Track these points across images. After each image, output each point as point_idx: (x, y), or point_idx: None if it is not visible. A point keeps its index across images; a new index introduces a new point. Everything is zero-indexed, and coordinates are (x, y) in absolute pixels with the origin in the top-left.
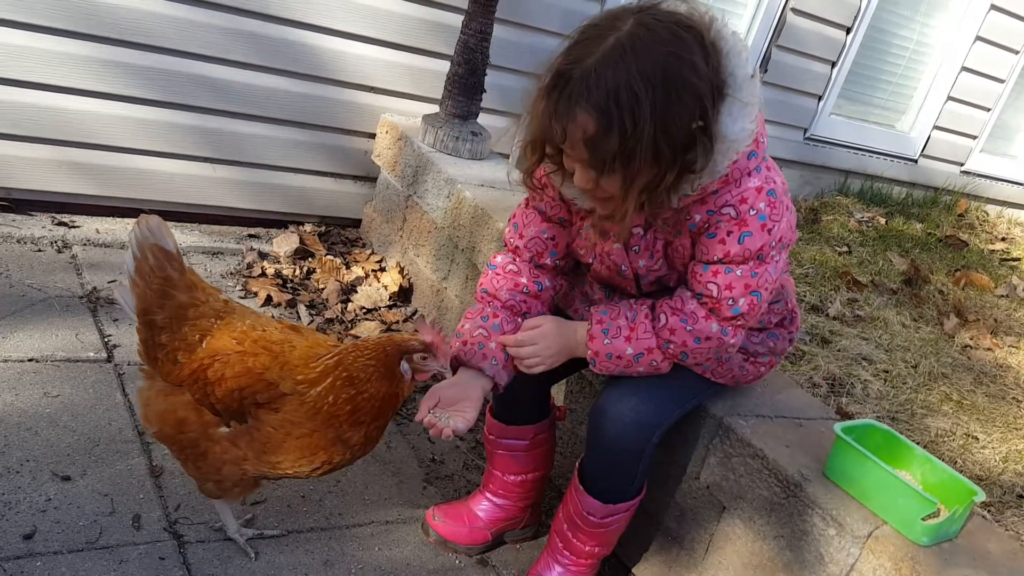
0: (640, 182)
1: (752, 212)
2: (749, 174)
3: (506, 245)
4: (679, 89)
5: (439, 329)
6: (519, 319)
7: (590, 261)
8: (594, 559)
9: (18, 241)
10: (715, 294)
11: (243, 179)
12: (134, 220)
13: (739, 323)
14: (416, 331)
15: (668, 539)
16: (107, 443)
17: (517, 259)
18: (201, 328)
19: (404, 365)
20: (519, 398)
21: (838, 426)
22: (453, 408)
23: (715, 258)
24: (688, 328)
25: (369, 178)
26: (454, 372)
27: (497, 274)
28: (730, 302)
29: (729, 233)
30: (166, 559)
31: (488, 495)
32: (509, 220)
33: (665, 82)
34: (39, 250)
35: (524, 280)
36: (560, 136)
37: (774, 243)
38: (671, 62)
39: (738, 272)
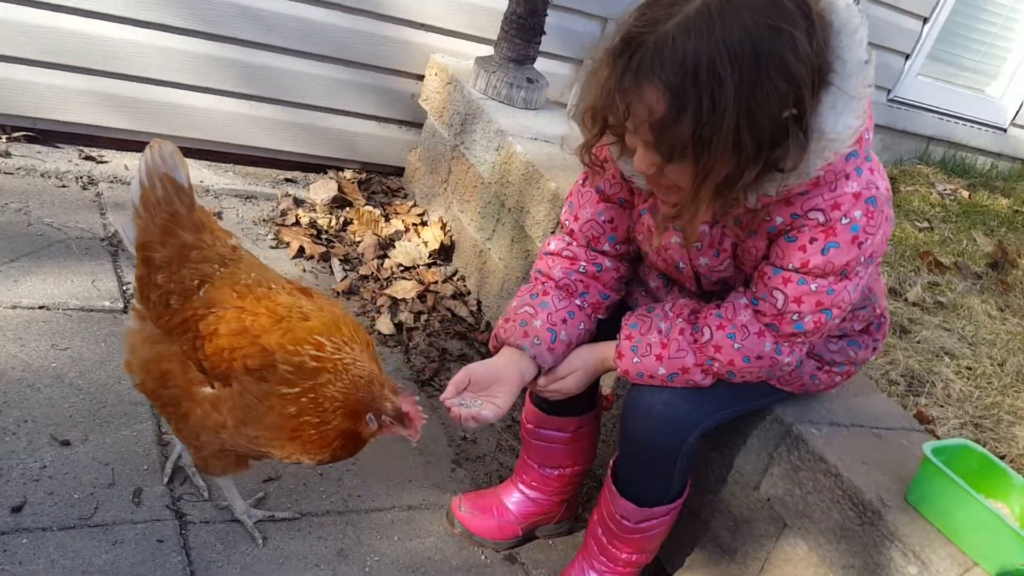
0: (714, 177)
1: (844, 221)
2: (847, 177)
3: (562, 227)
4: (772, 69)
5: (415, 401)
6: (576, 301)
7: (647, 250)
8: (633, 567)
9: (42, 175)
10: (779, 304)
11: (283, 119)
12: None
13: (799, 341)
14: (398, 391)
15: (718, 549)
16: (114, 404)
17: (573, 243)
18: (202, 273)
19: (371, 417)
20: None
21: (927, 446)
22: (485, 392)
23: (790, 265)
24: (736, 345)
25: (415, 124)
26: (494, 353)
27: (552, 258)
28: (794, 317)
29: (812, 241)
30: (164, 542)
31: (521, 487)
32: (567, 197)
33: (756, 59)
34: (63, 186)
35: (582, 262)
36: (622, 112)
37: (863, 259)
38: (765, 35)
39: (812, 286)
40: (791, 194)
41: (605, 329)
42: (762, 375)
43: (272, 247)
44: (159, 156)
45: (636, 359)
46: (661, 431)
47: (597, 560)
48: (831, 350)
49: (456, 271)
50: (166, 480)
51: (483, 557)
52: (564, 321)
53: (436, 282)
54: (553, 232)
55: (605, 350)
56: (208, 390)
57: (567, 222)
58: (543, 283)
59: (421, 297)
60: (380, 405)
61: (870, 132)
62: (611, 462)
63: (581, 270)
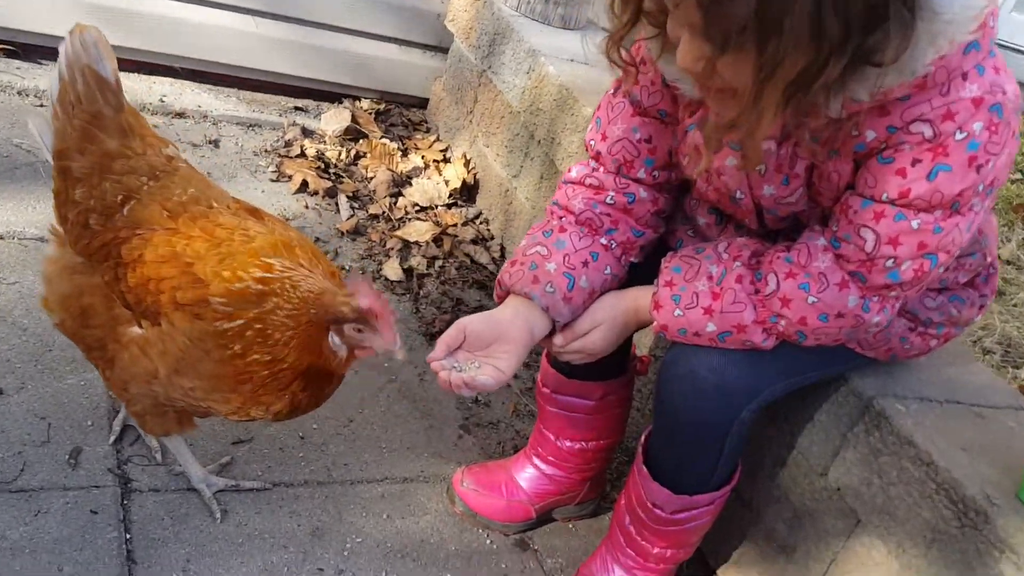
0: (783, 74)
1: (959, 136)
2: (964, 76)
3: (587, 150)
4: None
5: (379, 292)
6: (600, 239)
7: (694, 176)
8: (667, 564)
9: (19, 93)
10: (868, 247)
11: (292, 39)
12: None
13: (892, 295)
14: (356, 288)
15: (772, 545)
16: (63, 348)
17: (600, 169)
18: (127, 188)
19: (334, 338)
20: None
21: None
22: (483, 352)
23: (884, 195)
24: (811, 299)
25: (441, 49)
26: (499, 303)
27: (572, 187)
28: (888, 263)
29: (915, 163)
30: (100, 513)
31: (535, 461)
32: (593, 113)
33: None
34: (41, 104)
35: (610, 191)
36: None
37: (982, 187)
38: None
39: (914, 223)
40: (888, 99)
41: (638, 276)
42: (841, 337)
43: (272, 180)
44: (80, 44)
45: (678, 311)
46: (707, 403)
47: (623, 554)
48: (928, 307)
49: (479, 213)
50: (113, 439)
51: (488, 541)
52: (585, 264)
53: (455, 225)
54: None
55: (639, 298)
56: (136, 330)
57: (593, 142)
58: (560, 217)
59: (437, 241)
60: (337, 313)
61: (995, 19)
62: (642, 438)
63: (608, 201)
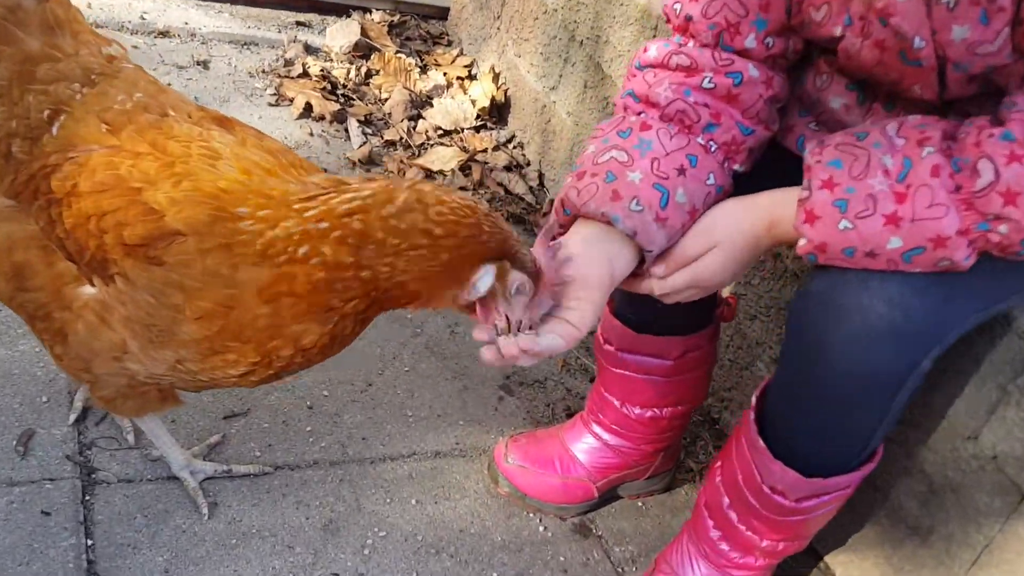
0: None
1: None
2: None
3: (668, 20)
4: None
5: (563, 257)
6: (697, 139)
7: (836, 33)
8: (774, 559)
9: None
10: None
11: None
12: None
13: None
14: (540, 238)
15: (900, 527)
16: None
17: (691, 43)
18: (55, 99)
19: (486, 277)
20: None
21: None
22: (556, 300)
23: None
24: None
25: None
26: (562, 233)
27: (653, 71)
28: None
29: None
30: (54, 514)
31: (595, 428)
32: None
33: None
34: None
35: (706, 72)
36: None
37: None
38: None
39: None
40: None
41: (746, 190)
42: None
43: (271, 104)
44: None
45: (845, 223)
46: (881, 348)
47: (714, 548)
48: None
49: (512, 136)
50: (74, 418)
51: (542, 528)
52: (680, 171)
53: (485, 150)
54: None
55: (775, 207)
56: (88, 290)
57: (678, 6)
58: (638, 113)
59: (464, 169)
60: (517, 254)
61: None
62: (754, 399)
63: (706, 85)
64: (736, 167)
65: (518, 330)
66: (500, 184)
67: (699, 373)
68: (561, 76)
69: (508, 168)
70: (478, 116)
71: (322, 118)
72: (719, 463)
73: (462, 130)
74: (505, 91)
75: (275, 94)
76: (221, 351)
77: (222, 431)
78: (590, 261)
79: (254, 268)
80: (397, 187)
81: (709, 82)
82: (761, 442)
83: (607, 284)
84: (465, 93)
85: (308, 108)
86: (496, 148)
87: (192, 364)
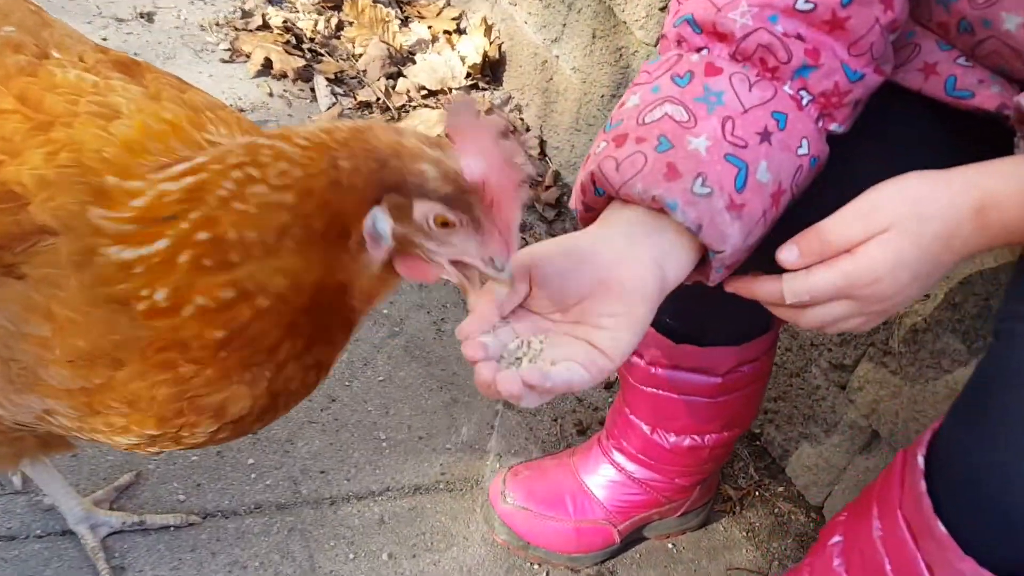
0: None
1: None
2: None
3: None
4: None
5: (508, 149)
6: (784, 86)
7: None
8: None
9: None
10: None
11: None
12: None
13: None
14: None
15: None
16: None
17: None
18: None
19: (377, 226)
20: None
21: None
22: (568, 316)
23: None
24: None
25: None
26: (584, 223)
27: None
28: None
29: None
30: None
31: (616, 457)
32: None
33: None
34: None
35: None
36: None
37: None
38: None
39: None
40: None
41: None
42: None
43: (224, 60)
44: None
45: None
46: None
47: None
48: None
49: (508, 97)
50: None
51: None
52: (764, 136)
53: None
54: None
55: (981, 179)
56: None
57: None
58: (700, 49)
59: None
60: (410, 168)
61: None
62: (920, 458)
63: (801, 6)
64: (832, 127)
65: (500, 269)
66: None
67: (752, 391)
68: (564, 25)
69: (504, 134)
70: (468, 75)
71: (284, 76)
72: (838, 539)
73: (450, 90)
74: (499, 46)
75: (229, 48)
76: (103, 411)
77: (136, 468)
78: (631, 261)
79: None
80: (230, 149)
81: (805, 1)
82: (941, 527)
83: (654, 296)
84: (453, 49)
85: (268, 64)
86: (490, 111)
87: (66, 420)
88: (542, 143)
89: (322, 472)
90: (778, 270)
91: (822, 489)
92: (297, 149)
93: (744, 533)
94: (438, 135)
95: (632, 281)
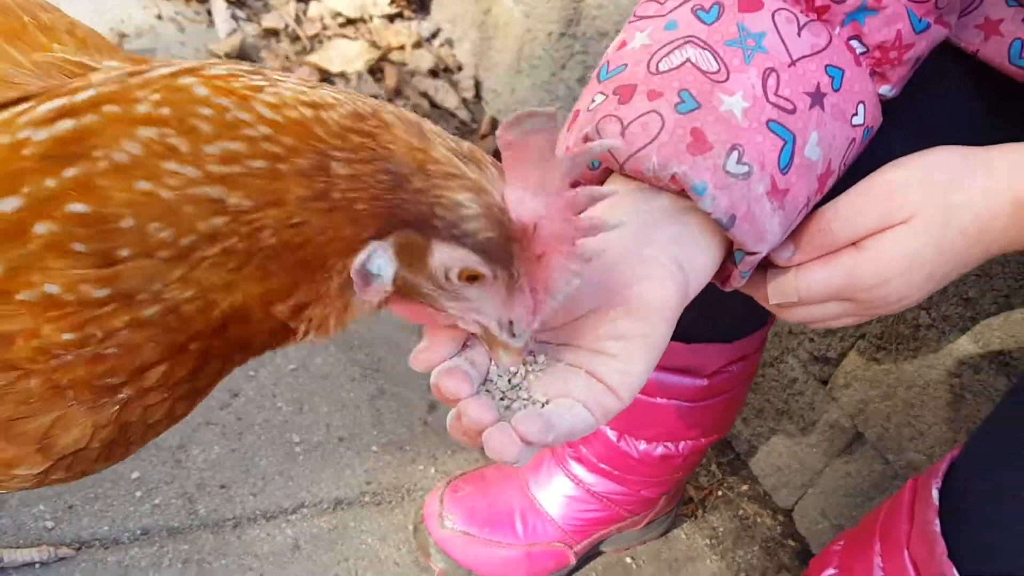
0: None
1: None
2: None
3: None
4: None
5: (569, 198)
6: (835, 30)
7: None
8: None
9: None
10: None
11: None
12: None
13: None
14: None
15: None
16: None
17: None
18: None
19: (382, 260)
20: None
21: None
22: (561, 334)
23: None
24: None
25: None
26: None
27: None
28: None
29: None
30: None
31: (574, 467)
32: None
33: None
34: None
35: None
36: None
37: None
38: None
39: None
40: None
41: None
42: None
43: None
44: None
45: None
46: None
47: None
48: None
49: (438, 30)
50: None
51: None
52: (816, 97)
53: (403, 47)
54: None
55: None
56: None
57: None
58: None
59: (375, 72)
60: (442, 219)
61: None
62: (934, 490)
63: None
64: (883, 91)
65: (512, 335)
66: (423, 94)
67: (737, 392)
68: None
69: (434, 73)
70: (392, 1)
71: None
72: (832, 572)
73: (371, 19)
74: None
75: None
76: None
77: None
78: (647, 266)
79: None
80: (140, 82)
81: None
82: (946, 555)
83: (675, 311)
84: None
85: None
86: (417, 45)
87: None
88: (477, 84)
89: (222, 487)
90: None
91: (793, 491)
92: (261, 123)
93: (707, 541)
94: (469, 146)
95: (649, 292)
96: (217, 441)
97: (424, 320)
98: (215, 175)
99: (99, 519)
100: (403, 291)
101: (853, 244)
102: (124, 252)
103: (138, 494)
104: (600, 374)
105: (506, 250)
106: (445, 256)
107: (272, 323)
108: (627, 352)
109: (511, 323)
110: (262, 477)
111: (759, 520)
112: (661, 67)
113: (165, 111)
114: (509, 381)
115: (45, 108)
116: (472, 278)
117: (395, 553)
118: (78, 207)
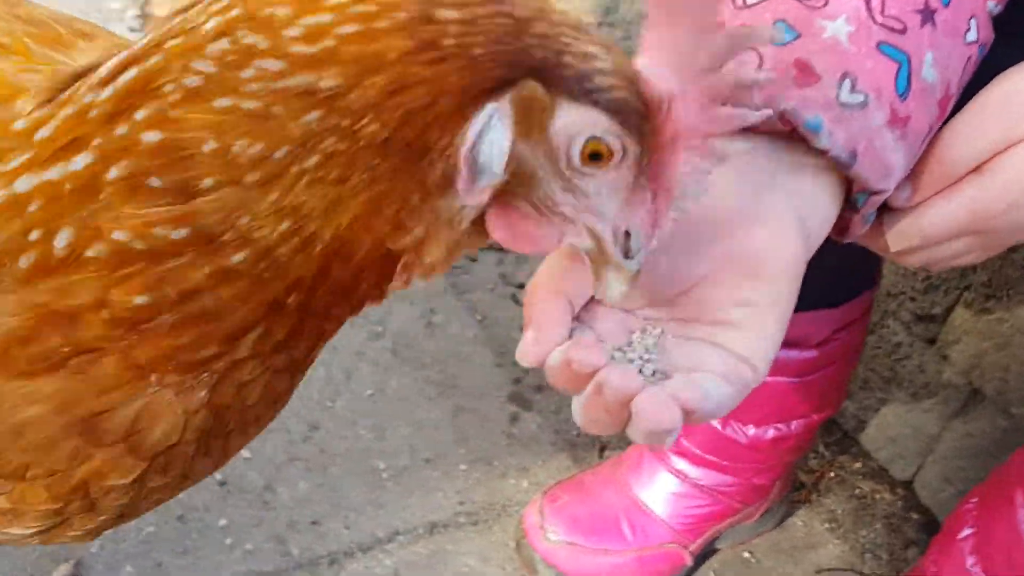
0: None
1: None
2: None
3: None
4: None
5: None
6: None
7: None
8: None
9: None
10: None
11: None
12: None
13: None
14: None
15: None
16: None
17: None
18: None
19: (497, 129)
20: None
21: None
22: (674, 310)
23: None
24: None
25: None
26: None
27: None
28: None
29: None
30: None
31: (677, 462)
32: None
33: None
34: None
35: None
36: None
37: None
38: None
39: None
40: None
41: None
42: None
43: None
44: None
45: None
46: None
47: None
48: None
49: None
50: None
51: None
52: (927, 14)
53: None
54: None
55: None
56: None
57: None
58: None
59: None
60: (591, 80)
61: None
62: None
63: None
64: (990, 6)
65: (626, 253)
66: None
67: (846, 362)
68: None
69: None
70: None
71: None
72: (968, 532)
73: None
74: None
75: None
76: None
77: (75, 555)
78: (766, 222)
79: None
80: (199, 10)
81: None
82: None
83: (800, 267)
84: None
85: None
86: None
87: None
88: None
89: (314, 523)
90: None
91: (910, 462)
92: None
93: (826, 525)
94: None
95: (773, 251)
96: (302, 476)
97: (524, 241)
98: (301, 59)
99: (190, 572)
100: (512, 184)
101: (974, 170)
102: (206, 182)
103: (228, 541)
104: (728, 344)
105: (640, 120)
106: (572, 119)
107: (377, 253)
108: (755, 320)
109: (627, 236)
110: (352, 509)
111: (878, 497)
112: (749, 0)
113: (234, 12)
114: (640, 356)
115: (104, 69)
116: (595, 156)
117: (499, 573)
118: (152, 136)
